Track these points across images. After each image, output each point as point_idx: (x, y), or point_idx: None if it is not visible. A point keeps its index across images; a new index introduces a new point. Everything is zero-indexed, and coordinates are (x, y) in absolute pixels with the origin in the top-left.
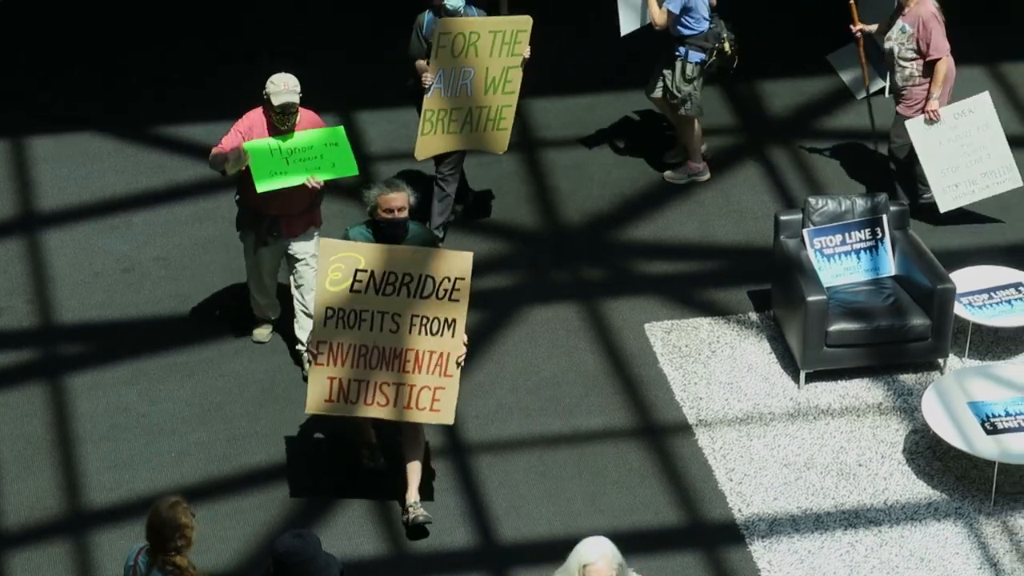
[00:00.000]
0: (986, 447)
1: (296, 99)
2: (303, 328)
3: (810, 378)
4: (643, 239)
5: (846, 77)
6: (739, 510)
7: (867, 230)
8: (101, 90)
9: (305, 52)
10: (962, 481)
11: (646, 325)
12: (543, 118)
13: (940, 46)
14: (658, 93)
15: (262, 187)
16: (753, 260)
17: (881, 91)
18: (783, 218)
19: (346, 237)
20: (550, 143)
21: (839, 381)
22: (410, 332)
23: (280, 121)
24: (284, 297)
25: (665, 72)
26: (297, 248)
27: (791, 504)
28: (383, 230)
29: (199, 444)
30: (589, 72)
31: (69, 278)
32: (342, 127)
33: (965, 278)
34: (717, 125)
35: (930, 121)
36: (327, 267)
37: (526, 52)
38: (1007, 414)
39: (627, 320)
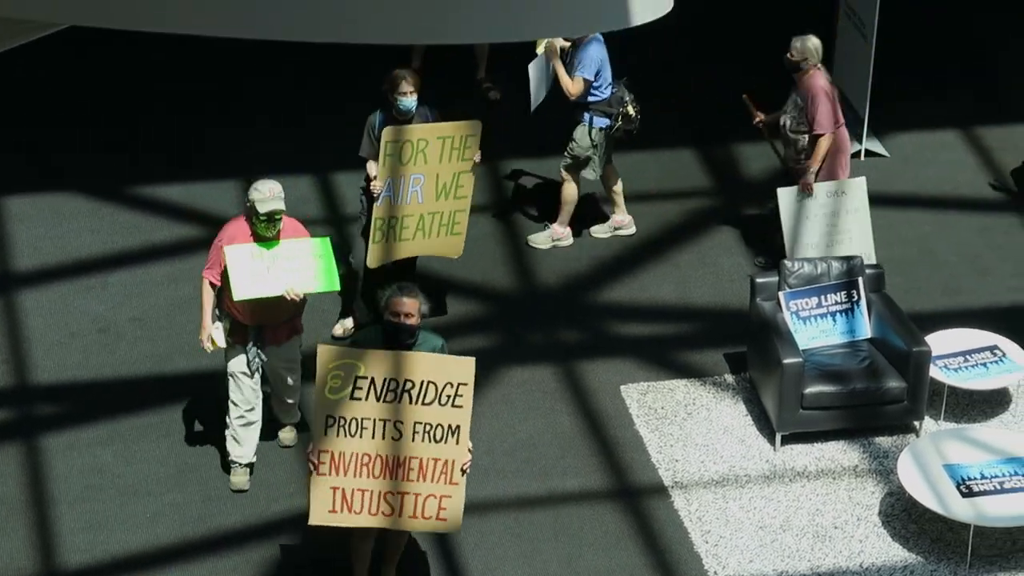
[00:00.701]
0: (962, 510)
1: (282, 206)
2: (284, 411)
3: (786, 440)
4: (619, 301)
5: None
6: (715, 572)
7: (843, 292)
8: (77, 150)
9: (278, 114)
10: (938, 544)
11: (622, 387)
12: (522, 179)
13: (823, 122)
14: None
15: (240, 295)
16: (729, 322)
17: (856, 154)
18: (759, 280)
19: (355, 342)
20: (526, 203)
21: (815, 443)
22: (413, 440)
23: (265, 228)
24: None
25: (574, 139)
26: (280, 356)
27: (767, 566)
28: (390, 333)
29: (174, 505)
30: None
31: (45, 338)
32: (328, 238)
33: (941, 341)
34: (693, 187)
35: (802, 194)
36: (326, 375)
37: (477, 156)
38: (982, 477)
39: (603, 382)
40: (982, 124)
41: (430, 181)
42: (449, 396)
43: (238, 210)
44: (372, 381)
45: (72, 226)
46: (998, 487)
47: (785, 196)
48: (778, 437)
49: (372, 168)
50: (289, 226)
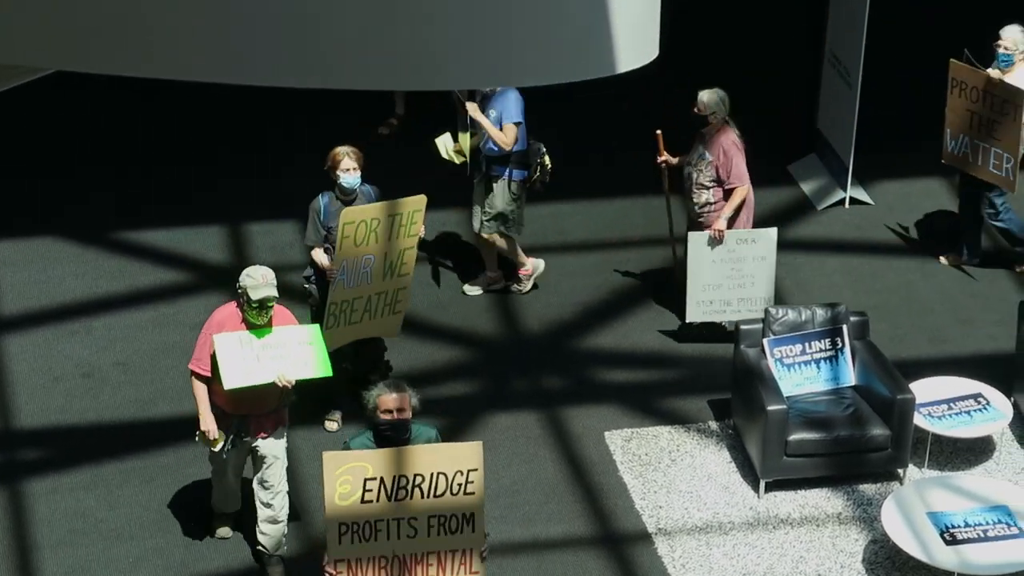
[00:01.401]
0: (945, 558)
1: (275, 292)
2: (264, 533)
3: (770, 487)
4: (603, 347)
5: (807, 188)
6: None
7: (827, 340)
8: (63, 194)
9: (265, 159)
10: None
11: (606, 433)
12: None
13: (740, 174)
14: (477, 225)
15: (230, 384)
16: (713, 369)
17: (841, 202)
18: (743, 327)
19: (346, 448)
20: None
21: (799, 491)
22: (428, 535)
23: (256, 316)
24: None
25: (494, 195)
26: (265, 448)
27: None
28: (385, 434)
29: (157, 550)
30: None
31: (28, 382)
32: (318, 325)
33: (925, 389)
34: (678, 234)
35: (713, 241)
36: (334, 481)
37: (422, 231)
38: (966, 525)
39: (587, 428)
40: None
41: (379, 260)
42: (460, 484)
43: (223, 255)
44: (382, 481)
45: (57, 271)
46: (982, 535)
47: (696, 240)
48: (762, 484)
49: (320, 256)
50: (279, 314)
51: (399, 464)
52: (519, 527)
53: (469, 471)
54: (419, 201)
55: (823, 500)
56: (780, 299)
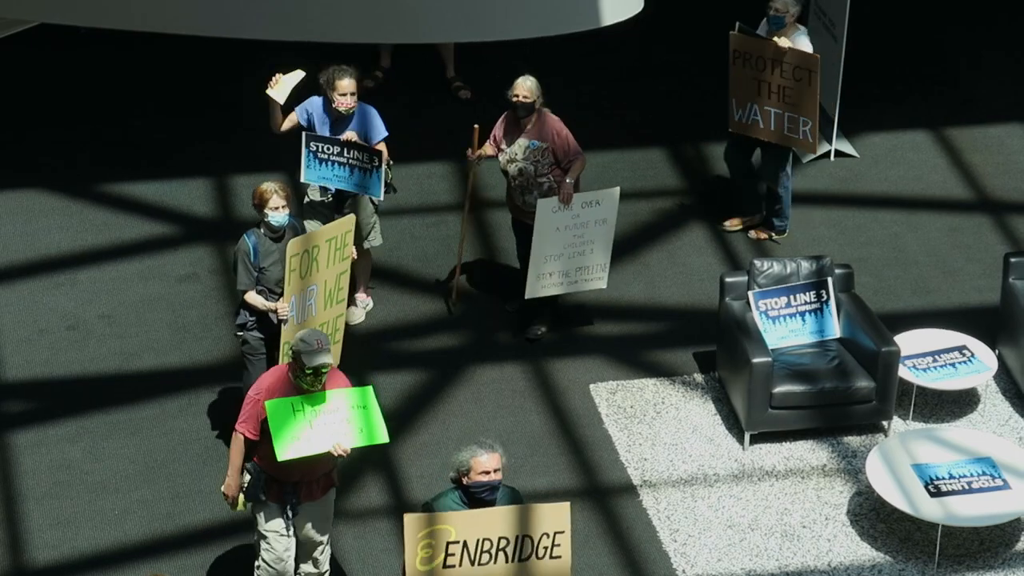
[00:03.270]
0: (930, 510)
1: (331, 359)
2: None
3: (755, 440)
4: (588, 300)
5: None
6: (683, 571)
7: (812, 292)
8: (47, 147)
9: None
10: (906, 543)
11: (591, 386)
12: (489, 178)
13: (577, 147)
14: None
15: (285, 455)
16: (698, 322)
17: (826, 155)
18: (728, 280)
19: (430, 508)
20: (495, 204)
21: (783, 443)
22: None
23: (310, 383)
24: None
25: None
26: (313, 509)
27: (735, 565)
28: (481, 496)
29: (142, 502)
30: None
31: (13, 335)
32: (371, 387)
33: (910, 341)
34: (664, 187)
35: (560, 205)
36: (415, 545)
37: (353, 253)
38: (951, 477)
39: (572, 381)
40: (952, 125)
41: (321, 289)
42: (547, 548)
43: (208, 208)
44: (465, 545)
45: (42, 223)
46: (966, 487)
47: (543, 206)
48: (747, 436)
49: (257, 298)
50: (332, 377)
51: (484, 526)
52: (505, 479)
53: (556, 533)
54: (349, 222)
55: (808, 452)
56: (765, 252)
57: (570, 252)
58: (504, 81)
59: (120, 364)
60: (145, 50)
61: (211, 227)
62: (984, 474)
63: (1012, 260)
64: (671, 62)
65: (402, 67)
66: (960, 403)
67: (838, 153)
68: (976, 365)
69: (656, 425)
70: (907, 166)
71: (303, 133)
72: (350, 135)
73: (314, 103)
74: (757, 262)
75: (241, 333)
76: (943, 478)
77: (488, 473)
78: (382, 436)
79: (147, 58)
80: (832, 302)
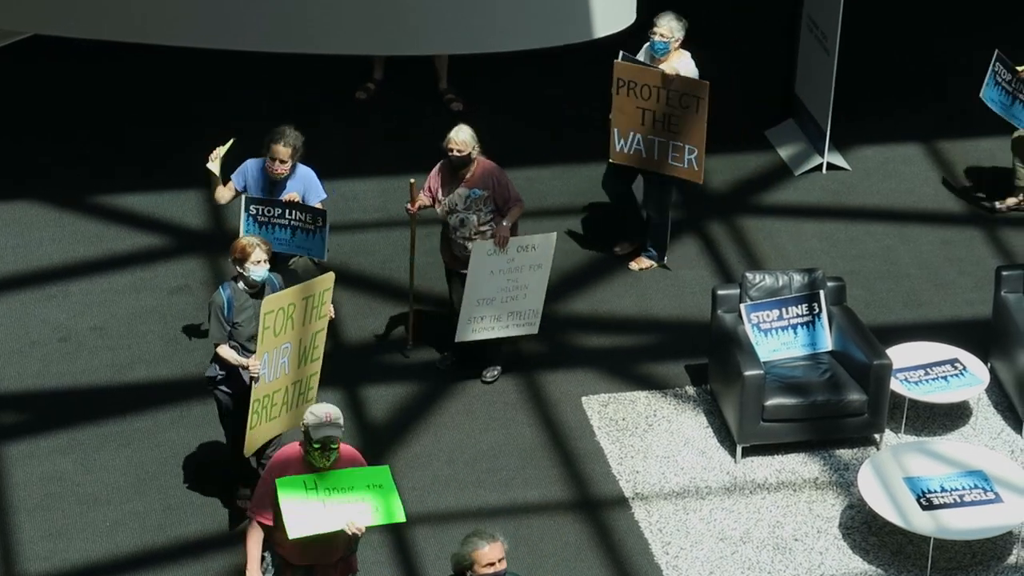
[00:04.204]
0: (922, 523)
1: (339, 432)
2: None
3: (747, 452)
4: (581, 312)
5: (784, 153)
6: None
7: (804, 305)
8: (39, 159)
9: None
10: (898, 556)
11: (583, 398)
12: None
13: (517, 194)
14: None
15: (295, 533)
16: (690, 334)
17: (818, 167)
18: (720, 293)
19: None
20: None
21: (775, 456)
22: None
23: (319, 457)
24: None
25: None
26: None
27: None
28: None
29: (134, 514)
30: (526, 144)
31: (5, 347)
32: (388, 467)
33: (902, 354)
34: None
35: (495, 248)
36: None
37: (331, 312)
38: (943, 490)
39: (564, 393)
40: (944, 138)
41: (295, 347)
42: None
43: (200, 219)
44: None
45: (34, 235)
46: (958, 500)
47: (478, 249)
48: (739, 449)
49: (229, 352)
50: (346, 454)
51: None
52: (496, 492)
53: None
54: (328, 279)
55: (800, 465)
56: (758, 264)
57: (503, 296)
58: (497, 93)
59: (112, 376)
60: (137, 62)
61: (203, 239)
62: (976, 487)
63: (1004, 273)
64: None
65: (394, 79)
66: (952, 416)
67: (830, 166)
68: (968, 378)
69: (648, 438)
70: (899, 179)
71: (244, 197)
72: (293, 196)
73: (249, 166)
74: (749, 275)
75: (212, 387)
76: (935, 491)
77: (493, 564)
78: (399, 515)
79: (139, 70)
80: (824, 315)
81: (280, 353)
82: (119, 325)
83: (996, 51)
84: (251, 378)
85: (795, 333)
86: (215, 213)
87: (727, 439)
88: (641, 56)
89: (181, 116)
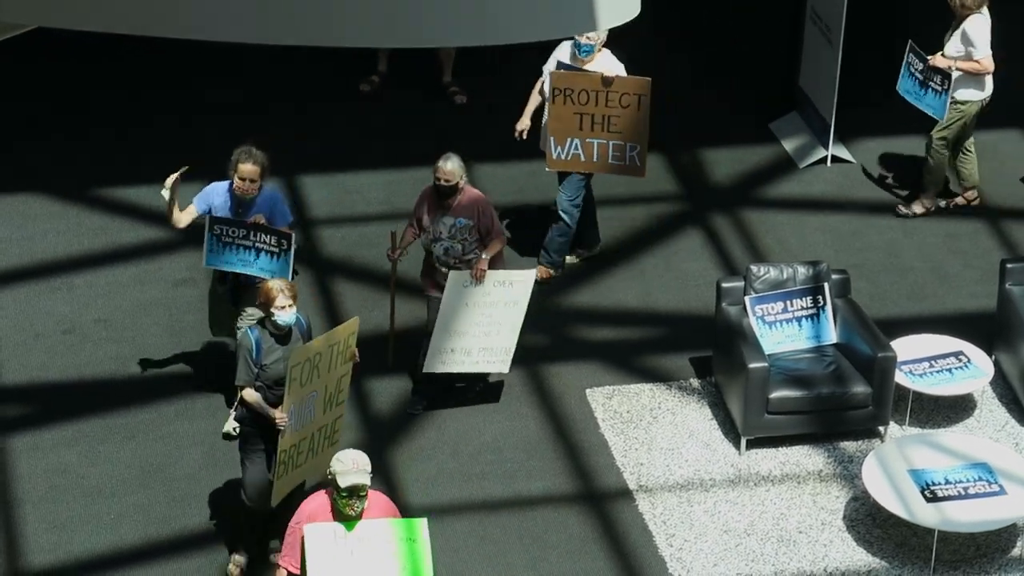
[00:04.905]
0: (926, 515)
1: (367, 480)
2: None
3: (751, 445)
4: (585, 305)
5: (788, 146)
6: None
7: (809, 298)
8: (44, 152)
9: (239, 122)
10: (902, 549)
11: (587, 391)
12: (487, 183)
13: (500, 226)
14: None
15: None
16: (694, 327)
17: (823, 160)
18: (725, 285)
19: None
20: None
21: (780, 448)
22: None
23: (346, 505)
24: None
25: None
26: None
27: (731, 570)
28: None
29: (138, 506)
30: (529, 137)
31: (9, 339)
32: (423, 520)
33: (906, 346)
34: (660, 192)
35: (472, 280)
36: None
37: (356, 355)
38: (947, 482)
39: (569, 385)
40: None
41: (321, 394)
42: None
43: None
44: None
45: (38, 227)
46: (962, 492)
47: (455, 279)
48: (743, 441)
49: (254, 396)
50: (377, 504)
51: None
52: (500, 484)
53: None
54: (352, 324)
55: (804, 457)
56: (762, 257)
57: (476, 331)
58: (501, 85)
59: (116, 368)
60: (142, 54)
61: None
62: (980, 480)
63: (1008, 266)
64: (668, 66)
65: (398, 71)
66: (956, 409)
67: (834, 159)
68: (972, 371)
69: (652, 430)
70: (903, 171)
71: (207, 217)
72: (258, 218)
73: (216, 188)
74: (754, 267)
75: (238, 427)
76: (939, 483)
77: None
78: (428, 572)
79: (144, 62)
80: (829, 307)
81: (306, 402)
82: (123, 317)
83: (909, 42)
84: (277, 429)
85: (799, 326)
86: None
87: (731, 431)
88: (564, 56)
89: (186, 108)
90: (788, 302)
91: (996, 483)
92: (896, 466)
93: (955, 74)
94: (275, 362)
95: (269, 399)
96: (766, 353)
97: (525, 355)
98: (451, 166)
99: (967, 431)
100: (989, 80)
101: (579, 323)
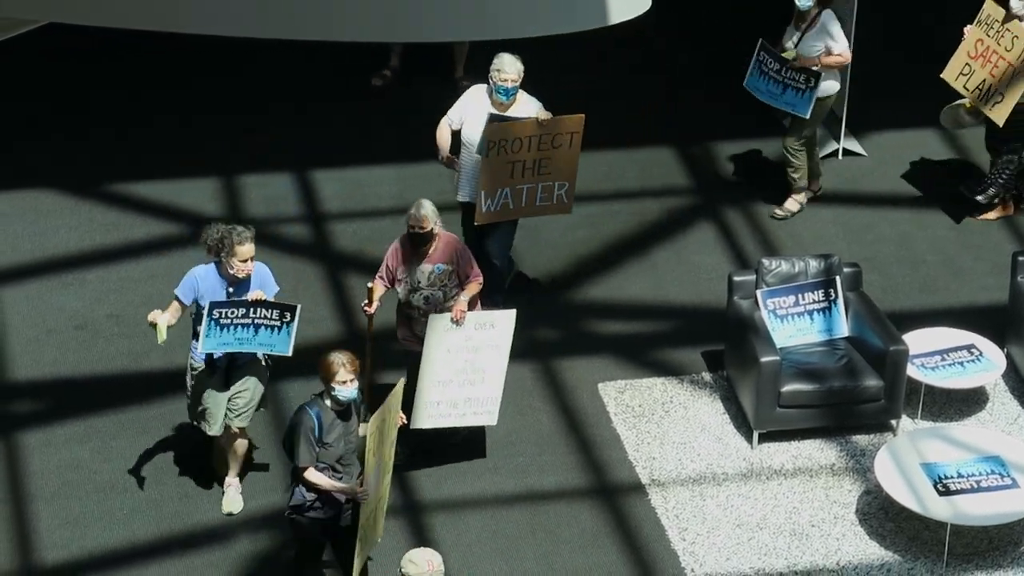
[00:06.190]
0: (939, 508)
1: None
2: None
3: (763, 438)
4: (597, 299)
5: None
6: (692, 570)
7: (820, 291)
8: (56, 148)
9: (252, 118)
10: (914, 542)
11: (600, 385)
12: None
13: (478, 269)
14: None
15: None
16: (706, 320)
17: (834, 153)
18: (737, 279)
19: None
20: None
21: (792, 442)
22: None
23: None
24: None
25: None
26: None
27: (744, 564)
28: None
29: (151, 501)
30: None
31: (22, 334)
32: None
33: (918, 340)
34: (672, 185)
35: (453, 322)
36: None
37: (403, 419)
38: (959, 476)
39: (581, 380)
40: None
41: (381, 466)
42: None
43: (216, 207)
44: None
45: (50, 223)
46: (975, 486)
47: (436, 324)
48: (755, 435)
49: (319, 478)
50: None
51: None
52: (513, 478)
53: None
54: (398, 392)
55: (816, 451)
56: (774, 251)
57: (460, 380)
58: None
59: (128, 364)
60: (154, 51)
61: None
62: (993, 473)
63: (1020, 259)
64: (679, 59)
65: (410, 66)
66: (969, 402)
67: (846, 152)
68: (984, 364)
69: (664, 424)
70: (915, 164)
71: (208, 302)
72: (258, 294)
73: (198, 275)
74: (765, 261)
75: (296, 516)
76: (952, 477)
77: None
78: None
79: (156, 59)
80: (840, 301)
81: (374, 472)
82: (135, 313)
83: (760, 40)
84: (350, 502)
85: (811, 319)
86: (230, 201)
87: (743, 425)
88: (481, 105)
89: (196, 103)
90: (800, 295)
91: (1009, 476)
92: (908, 459)
93: (822, 71)
94: (337, 439)
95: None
96: (778, 347)
97: (537, 349)
98: (424, 212)
99: (979, 424)
100: (838, 72)
101: (591, 317)
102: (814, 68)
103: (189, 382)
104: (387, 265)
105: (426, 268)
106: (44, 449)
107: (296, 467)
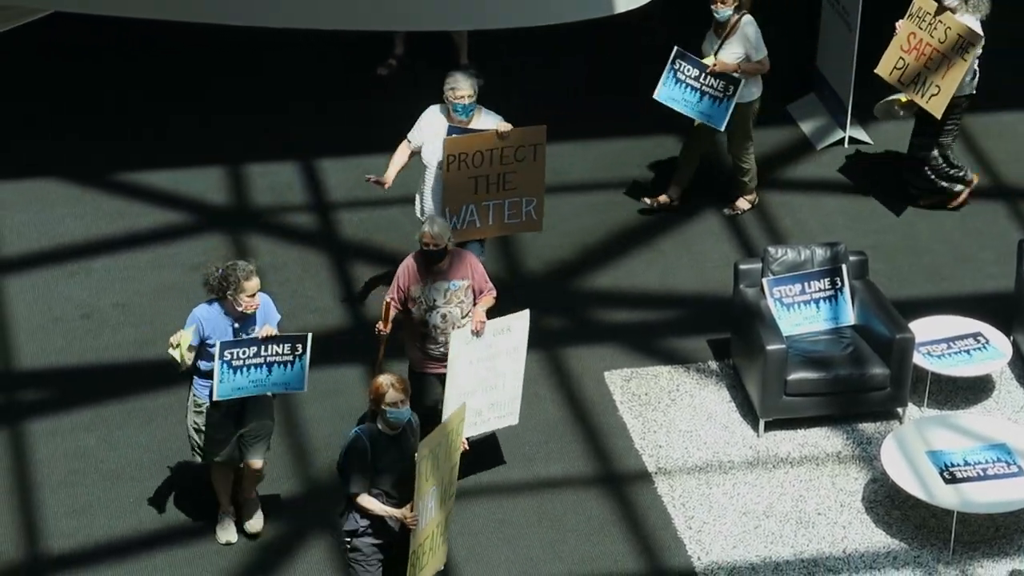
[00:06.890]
0: (945, 496)
1: None
2: None
3: (769, 427)
4: (603, 287)
5: (806, 128)
6: (698, 558)
7: (827, 279)
8: (61, 137)
9: (257, 106)
10: (921, 530)
11: (606, 373)
12: None
13: (491, 282)
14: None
15: None
16: (713, 309)
17: (840, 142)
18: (743, 267)
19: None
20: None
21: (798, 430)
22: None
23: None
24: None
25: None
26: None
27: (750, 552)
28: None
29: (158, 490)
30: (546, 119)
31: (28, 324)
32: None
33: (924, 328)
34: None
35: (474, 334)
36: None
37: (465, 444)
38: (966, 463)
39: (587, 368)
40: (965, 111)
41: (438, 488)
42: None
43: (222, 196)
44: None
45: (56, 212)
46: (981, 473)
47: (458, 338)
48: (761, 423)
49: (373, 504)
50: None
51: None
52: (519, 467)
53: None
54: (461, 412)
55: (822, 439)
56: (780, 239)
57: (483, 387)
58: (517, 67)
59: (134, 352)
60: (160, 39)
61: (224, 215)
62: (999, 461)
63: None
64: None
65: (415, 54)
66: (975, 390)
67: (852, 140)
68: (991, 352)
69: (671, 412)
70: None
71: (219, 343)
72: (268, 329)
73: (202, 315)
74: (771, 249)
75: (351, 540)
76: (958, 465)
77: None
78: None
79: (162, 48)
80: (846, 289)
81: (429, 497)
82: (141, 301)
83: (675, 47)
84: (401, 527)
85: (817, 307)
86: (236, 189)
87: (750, 413)
88: (439, 123)
89: (202, 92)
90: (806, 284)
91: (1015, 464)
92: (915, 447)
93: (742, 78)
94: (391, 463)
95: (385, 504)
96: (784, 335)
97: (543, 338)
98: (438, 229)
99: (985, 412)
100: (760, 79)
101: (597, 306)
102: (735, 75)
103: (193, 417)
104: (398, 286)
105: (442, 286)
106: (50, 438)
107: (348, 494)
